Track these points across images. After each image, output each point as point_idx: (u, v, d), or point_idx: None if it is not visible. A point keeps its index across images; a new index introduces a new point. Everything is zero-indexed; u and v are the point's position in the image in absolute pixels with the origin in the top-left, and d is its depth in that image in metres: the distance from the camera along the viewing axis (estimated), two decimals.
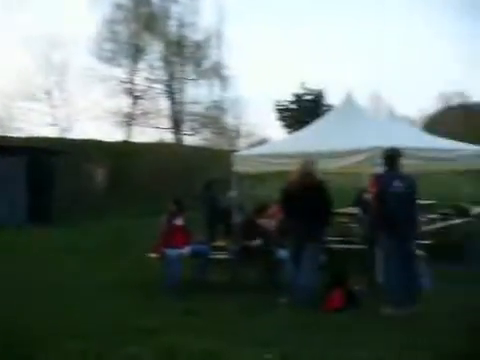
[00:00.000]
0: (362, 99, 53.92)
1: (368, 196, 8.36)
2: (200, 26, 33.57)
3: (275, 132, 66.86)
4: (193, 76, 33.64)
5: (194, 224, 11.52)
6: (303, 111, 44.24)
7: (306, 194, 8.07)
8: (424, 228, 12.30)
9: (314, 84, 47.65)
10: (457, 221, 14.43)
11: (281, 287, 8.49)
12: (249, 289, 9.15)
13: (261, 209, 10.44)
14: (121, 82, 31.87)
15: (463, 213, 14.24)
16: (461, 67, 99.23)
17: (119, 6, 32.25)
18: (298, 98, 47.51)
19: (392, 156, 7.94)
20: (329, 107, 33.88)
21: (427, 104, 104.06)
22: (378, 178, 7.91)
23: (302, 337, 6.54)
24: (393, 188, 7.64)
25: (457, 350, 5.96)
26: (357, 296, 8.16)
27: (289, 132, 42.22)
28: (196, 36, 33.59)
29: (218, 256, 10.22)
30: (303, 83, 47.41)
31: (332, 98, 44.75)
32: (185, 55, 33.37)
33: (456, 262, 11.10)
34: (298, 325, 7.06)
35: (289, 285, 8.32)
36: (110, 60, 31.78)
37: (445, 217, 14.75)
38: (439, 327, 6.91)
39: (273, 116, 49.37)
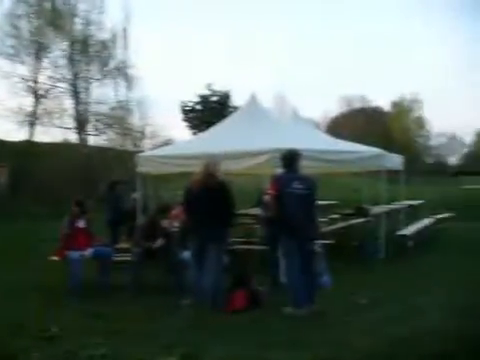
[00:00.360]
0: (267, 101, 54.85)
1: (267, 197, 8.42)
2: (106, 25, 33.03)
3: (181, 133, 66.84)
4: (98, 76, 33.06)
5: (98, 226, 11.37)
6: (209, 112, 44.38)
7: (208, 195, 8.06)
8: (325, 228, 12.60)
9: (221, 85, 48.01)
10: (357, 221, 14.83)
11: (184, 289, 8.45)
12: (152, 291, 9.06)
13: (164, 210, 10.40)
14: (24, 80, 30.91)
15: (363, 213, 14.62)
16: (362, 71, 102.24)
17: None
18: (204, 99, 47.65)
19: (291, 157, 8.00)
20: (235, 108, 34.06)
21: (331, 107, 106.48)
22: (277, 179, 7.95)
23: (205, 338, 6.54)
24: (292, 189, 7.69)
25: (359, 345, 6.15)
26: (260, 296, 8.23)
27: (195, 133, 42.26)
28: (102, 35, 33.03)
29: (121, 258, 10.12)
30: (209, 85, 47.65)
31: (239, 99, 45.14)
32: (90, 54, 32.70)
33: (356, 260, 11.43)
34: (201, 326, 7.06)
35: (192, 287, 8.30)
36: (12, 56, 30.73)
37: (346, 217, 15.12)
38: (339, 324, 7.11)
39: (179, 117, 49.35)
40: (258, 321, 7.30)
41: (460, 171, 58.73)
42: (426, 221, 16.14)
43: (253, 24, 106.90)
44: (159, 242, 9.49)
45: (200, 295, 8.05)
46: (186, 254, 8.98)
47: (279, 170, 8.22)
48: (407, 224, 14.73)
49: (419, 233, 14.06)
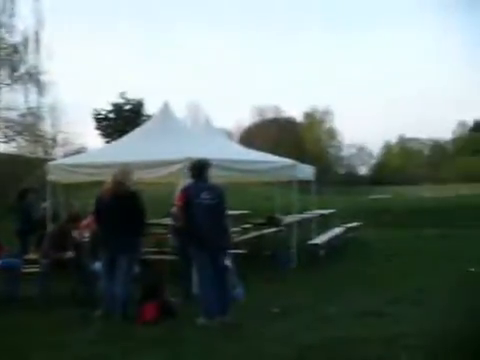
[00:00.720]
0: (180, 109, 54.85)
1: (174, 209, 8.35)
2: (17, 28, 32.01)
3: (94, 141, 65.88)
4: (8, 80, 32.05)
5: (7, 235, 11.05)
6: (122, 121, 44.00)
7: (119, 204, 7.94)
8: (238, 238, 12.63)
9: (134, 94, 47.74)
10: (269, 231, 14.93)
11: (95, 300, 8.29)
12: (63, 303, 8.85)
13: (74, 219, 10.19)
14: None
15: (275, 223, 14.74)
16: (275, 82, 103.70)
17: None
18: (117, 107, 47.21)
19: (200, 167, 7.96)
20: (149, 117, 33.84)
21: (244, 116, 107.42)
22: (185, 190, 7.90)
23: (116, 350, 6.45)
24: (200, 199, 7.65)
25: (270, 354, 6.21)
26: (172, 307, 8.15)
27: (108, 142, 41.74)
28: (13, 38, 32.03)
29: (30, 269, 9.84)
30: (122, 93, 47.28)
31: (153, 108, 44.95)
32: (0, 58, 31.70)
33: (268, 270, 11.49)
34: (112, 338, 6.95)
35: (103, 298, 8.15)
36: None
37: (258, 227, 15.20)
38: (252, 334, 7.12)
39: (92, 125, 48.66)
40: (170, 332, 7.23)
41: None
42: (337, 230, 16.44)
43: (168, 32, 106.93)
44: (69, 254, 9.30)
45: (111, 306, 7.91)
46: (97, 265, 8.81)
47: (189, 180, 8.17)
48: (319, 233, 14.95)
49: (330, 242, 14.31)
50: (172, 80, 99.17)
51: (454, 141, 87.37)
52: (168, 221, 11.79)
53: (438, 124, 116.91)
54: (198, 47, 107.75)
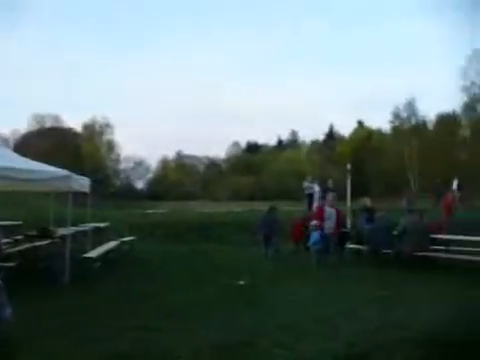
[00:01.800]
0: None
1: None
2: None
3: None
4: None
5: None
6: None
7: None
8: (8, 250, 12.15)
9: None
10: (42, 243, 14.52)
11: None
12: None
13: None
14: None
15: (48, 235, 14.37)
16: (57, 92, 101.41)
17: None
18: None
19: None
20: None
21: (21, 124, 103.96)
22: None
23: None
24: None
25: None
26: None
27: None
28: None
29: None
30: None
31: None
32: None
33: (41, 284, 11.14)
34: None
35: None
36: None
37: (31, 239, 14.72)
38: (23, 351, 6.91)
39: None
40: None
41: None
42: (111, 244, 16.36)
43: None
44: None
45: None
46: None
47: None
48: (93, 247, 14.77)
49: (104, 255, 14.20)
50: None
51: (227, 160, 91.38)
52: None
53: (214, 143, 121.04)
54: None
